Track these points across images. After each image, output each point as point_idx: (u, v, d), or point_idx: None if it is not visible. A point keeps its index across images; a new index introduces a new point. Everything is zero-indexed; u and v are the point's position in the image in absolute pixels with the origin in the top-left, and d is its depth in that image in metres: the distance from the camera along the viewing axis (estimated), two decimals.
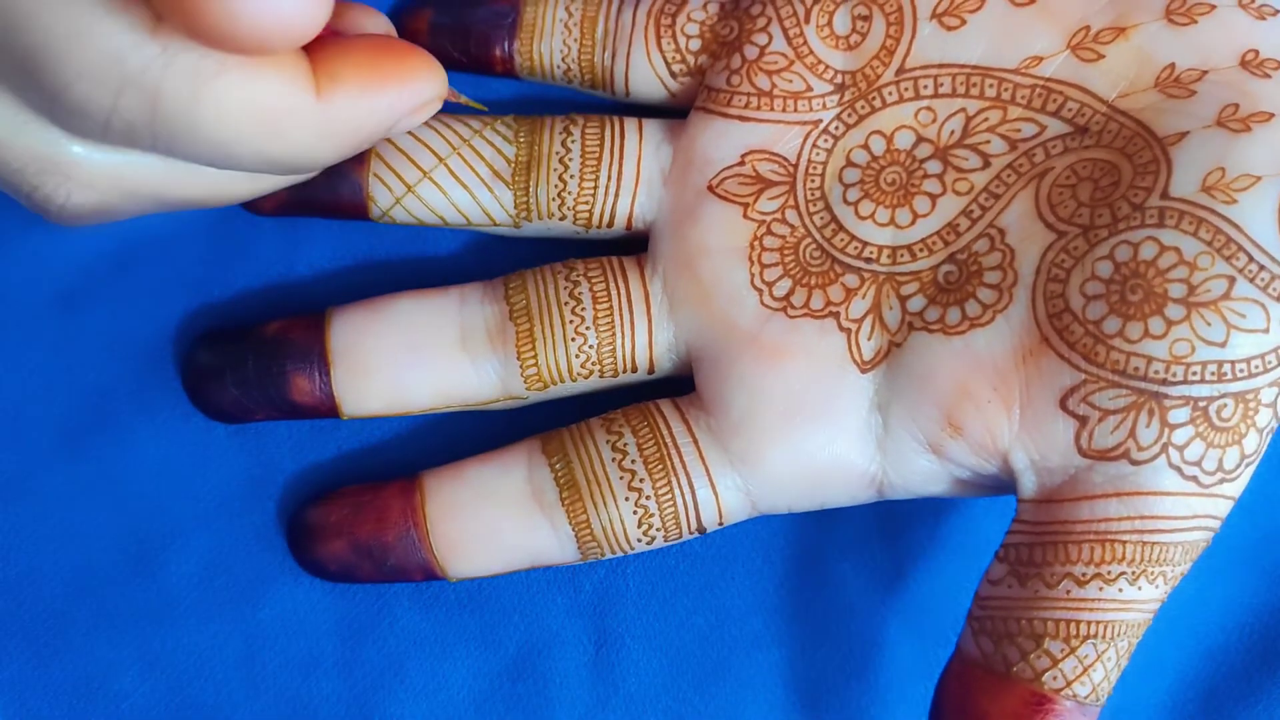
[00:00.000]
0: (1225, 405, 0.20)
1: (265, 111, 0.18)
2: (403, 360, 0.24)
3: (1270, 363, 0.20)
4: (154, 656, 0.26)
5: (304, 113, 0.19)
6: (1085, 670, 0.20)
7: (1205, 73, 0.22)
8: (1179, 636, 0.26)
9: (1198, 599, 0.26)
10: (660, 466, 0.23)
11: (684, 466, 0.23)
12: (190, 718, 0.25)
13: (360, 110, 0.19)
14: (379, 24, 0.22)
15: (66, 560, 0.26)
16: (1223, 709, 0.26)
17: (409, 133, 0.25)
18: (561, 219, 0.25)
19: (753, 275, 0.24)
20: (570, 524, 0.24)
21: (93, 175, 0.19)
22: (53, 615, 0.26)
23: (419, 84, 0.20)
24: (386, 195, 0.25)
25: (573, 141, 0.25)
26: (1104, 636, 0.20)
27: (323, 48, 0.19)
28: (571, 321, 0.24)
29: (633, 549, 0.24)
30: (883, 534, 0.26)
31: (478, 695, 0.26)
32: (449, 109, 0.24)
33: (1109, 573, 0.20)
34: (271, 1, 0.16)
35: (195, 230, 0.27)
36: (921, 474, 0.23)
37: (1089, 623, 0.20)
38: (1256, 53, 0.22)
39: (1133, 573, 0.20)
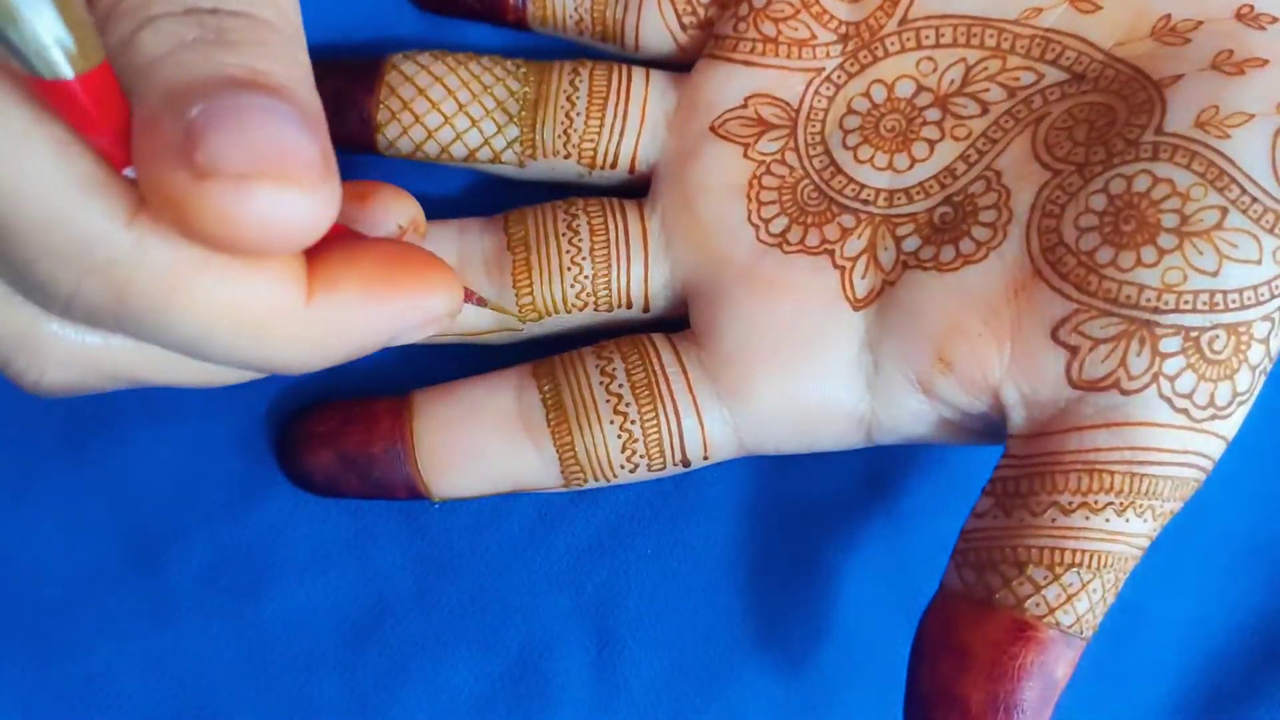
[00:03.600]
0: (1217, 337, 0.20)
1: (245, 315, 0.16)
2: None
3: (1263, 295, 0.20)
4: (155, 657, 0.25)
5: (290, 319, 0.16)
6: (1069, 599, 0.20)
7: (1200, 23, 0.22)
8: (1181, 637, 0.26)
9: (1200, 600, 0.25)
10: (647, 392, 0.23)
11: (671, 394, 0.23)
12: (191, 718, 0.25)
13: (356, 321, 0.17)
14: (405, 207, 0.20)
15: (68, 560, 0.25)
16: (1225, 710, 0.25)
17: (419, 65, 0.25)
18: (566, 157, 0.26)
19: (750, 211, 0.24)
20: (555, 445, 0.24)
21: (67, 355, 0.17)
22: (53, 615, 0.25)
23: (429, 300, 0.17)
24: (394, 125, 0.25)
25: (580, 81, 0.25)
26: (1089, 566, 0.20)
27: (328, 247, 0.17)
28: (568, 251, 0.25)
29: (616, 477, 0.24)
30: (884, 534, 0.26)
31: (479, 696, 0.25)
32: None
33: (1096, 502, 0.20)
34: (281, 204, 0.14)
35: None
36: (911, 414, 0.23)
37: (1074, 550, 0.20)
38: (1251, 7, 0.22)
39: (1120, 503, 0.20)
